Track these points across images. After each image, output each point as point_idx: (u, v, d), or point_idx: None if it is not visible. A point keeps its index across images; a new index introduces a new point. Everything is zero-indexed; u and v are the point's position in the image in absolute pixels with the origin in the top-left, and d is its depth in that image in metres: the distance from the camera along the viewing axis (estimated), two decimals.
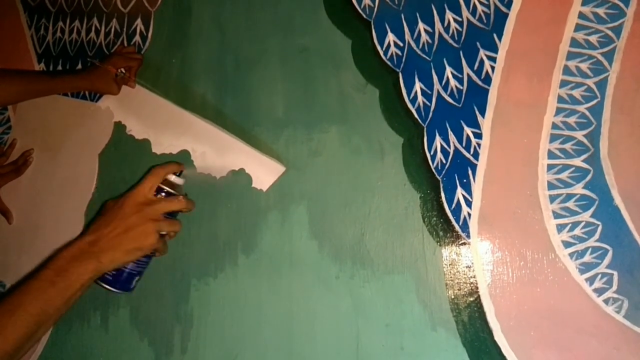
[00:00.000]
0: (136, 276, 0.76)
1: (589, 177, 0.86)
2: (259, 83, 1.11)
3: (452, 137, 0.95)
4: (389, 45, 1.02)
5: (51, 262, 0.65)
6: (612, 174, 0.85)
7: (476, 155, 0.93)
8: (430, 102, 0.97)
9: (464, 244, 0.91)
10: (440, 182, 0.94)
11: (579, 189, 0.87)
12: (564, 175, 0.88)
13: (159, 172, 0.75)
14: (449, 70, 0.97)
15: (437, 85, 0.97)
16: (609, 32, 0.88)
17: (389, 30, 1.02)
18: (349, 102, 1.03)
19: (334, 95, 1.04)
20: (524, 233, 0.88)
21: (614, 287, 0.83)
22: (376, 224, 0.97)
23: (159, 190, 0.76)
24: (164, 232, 0.73)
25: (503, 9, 0.94)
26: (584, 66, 0.89)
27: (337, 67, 1.05)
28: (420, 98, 0.98)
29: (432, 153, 0.96)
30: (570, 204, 0.87)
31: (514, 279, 0.88)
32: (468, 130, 0.94)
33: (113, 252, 0.67)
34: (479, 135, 0.93)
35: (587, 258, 0.85)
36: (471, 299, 0.89)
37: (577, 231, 0.86)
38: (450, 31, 0.98)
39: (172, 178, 0.78)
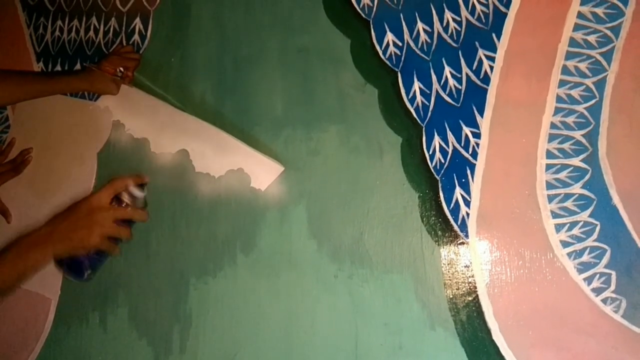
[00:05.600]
0: (88, 269, 0.84)
1: (587, 177, 0.87)
2: (257, 82, 1.11)
3: (450, 136, 0.95)
4: (387, 44, 1.02)
5: (14, 246, 0.78)
6: (610, 174, 0.85)
7: (475, 154, 0.93)
8: (429, 101, 0.97)
9: (463, 243, 0.91)
10: (439, 181, 0.94)
11: (577, 189, 0.87)
12: (562, 175, 0.88)
13: (118, 182, 0.84)
14: (447, 70, 0.97)
15: (435, 85, 0.97)
16: (608, 32, 0.88)
17: (387, 29, 1.02)
18: (348, 102, 1.03)
19: (333, 95, 1.04)
20: (523, 233, 0.88)
21: (612, 287, 0.83)
22: (375, 224, 0.97)
23: (118, 198, 0.83)
24: (114, 236, 0.83)
25: (502, 8, 0.94)
26: (582, 66, 0.89)
27: (336, 66, 1.05)
28: (419, 98, 0.98)
29: (430, 153, 0.96)
30: (569, 204, 0.87)
31: (512, 278, 0.88)
32: (467, 130, 0.94)
33: (63, 244, 0.79)
34: (477, 135, 0.93)
35: (586, 258, 0.85)
36: (469, 298, 0.89)
37: (576, 231, 0.86)
38: (449, 31, 0.98)
39: (133, 189, 0.84)
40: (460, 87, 0.96)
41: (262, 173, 1.06)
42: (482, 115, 0.93)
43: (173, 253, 1.10)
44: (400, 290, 0.93)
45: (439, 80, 0.97)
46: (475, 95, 0.94)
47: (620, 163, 0.85)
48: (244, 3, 1.15)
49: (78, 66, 1.29)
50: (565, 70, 0.90)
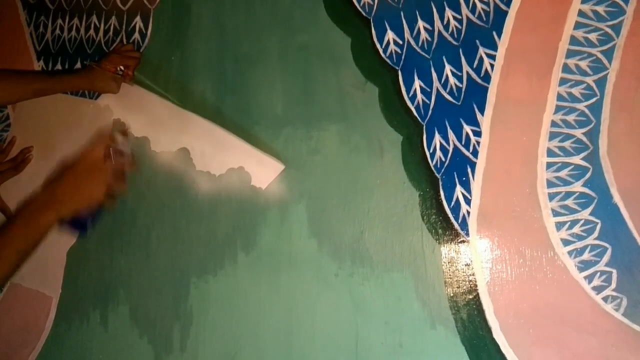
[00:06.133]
0: (91, 225, 0.89)
1: (588, 175, 0.87)
2: (258, 81, 1.11)
3: (451, 135, 0.95)
4: (388, 43, 1.02)
5: (19, 215, 0.81)
6: (611, 172, 0.85)
7: (475, 153, 0.93)
8: (430, 100, 0.97)
9: (463, 241, 0.91)
10: (440, 180, 0.94)
11: (578, 187, 0.87)
12: (563, 173, 0.88)
13: (107, 137, 0.87)
14: (448, 68, 0.97)
15: (436, 83, 0.97)
16: (609, 30, 0.88)
17: (388, 28, 1.02)
18: (349, 100, 1.03)
19: (333, 93, 1.04)
20: (523, 231, 0.88)
21: (613, 285, 0.83)
22: (375, 222, 0.97)
23: (108, 152, 0.87)
24: (114, 191, 0.86)
25: (503, 6, 0.94)
26: (583, 64, 0.89)
27: (337, 65, 1.05)
28: (419, 96, 0.98)
29: (431, 151, 0.96)
30: (570, 202, 0.87)
31: (512, 276, 0.88)
32: (467, 129, 0.94)
33: (69, 204, 0.82)
34: (478, 134, 0.93)
35: (586, 256, 0.85)
36: (470, 296, 0.89)
37: (576, 229, 0.86)
38: (450, 29, 0.98)
39: (120, 142, 0.89)
40: (460, 85, 0.95)
41: (263, 171, 1.06)
42: (482, 114, 0.93)
43: (174, 252, 1.11)
44: (400, 289, 0.93)
45: (439, 79, 0.97)
46: (476, 94, 0.94)
47: (621, 161, 0.85)
48: (244, 2, 1.15)
49: (78, 65, 1.29)
50: (566, 68, 0.90)
